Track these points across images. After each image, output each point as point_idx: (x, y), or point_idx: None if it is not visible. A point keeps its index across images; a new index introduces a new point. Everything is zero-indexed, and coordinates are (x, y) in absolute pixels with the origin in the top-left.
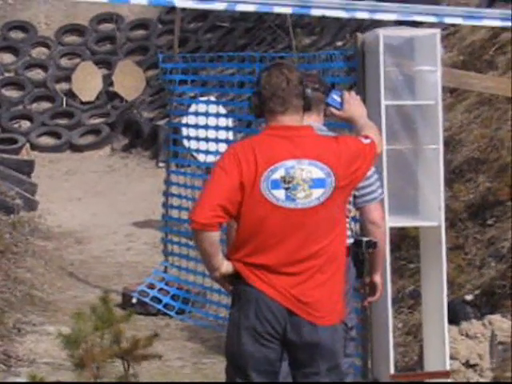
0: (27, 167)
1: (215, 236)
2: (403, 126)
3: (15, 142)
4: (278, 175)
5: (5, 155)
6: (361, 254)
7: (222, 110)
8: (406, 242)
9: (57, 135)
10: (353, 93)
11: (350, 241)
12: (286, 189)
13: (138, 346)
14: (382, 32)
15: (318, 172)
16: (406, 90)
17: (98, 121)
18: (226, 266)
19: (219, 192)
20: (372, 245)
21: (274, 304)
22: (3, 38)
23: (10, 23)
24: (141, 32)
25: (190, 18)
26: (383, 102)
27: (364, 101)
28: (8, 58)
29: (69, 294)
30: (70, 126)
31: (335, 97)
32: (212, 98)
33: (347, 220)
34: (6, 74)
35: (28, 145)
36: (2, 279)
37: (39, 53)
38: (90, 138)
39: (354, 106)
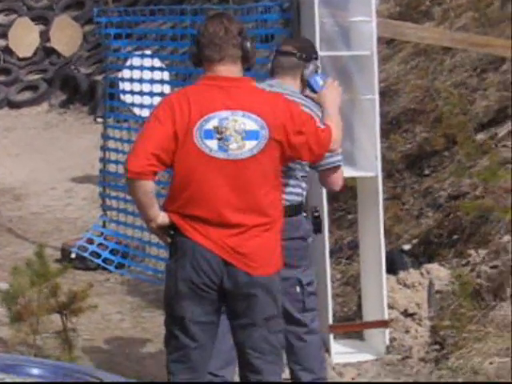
0: None
1: (149, 185)
2: (339, 77)
3: None
4: (211, 125)
5: None
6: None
7: (158, 64)
8: (343, 192)
9: None
10: (336, 82)
11: (299, 199)
12: (219, 139)
13: (75, 299)
14: None
15: (252, 124)
16: (342, 40)
17: (35, 77)
18: (162, 218)
19: (153, 141)
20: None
21: (211, 255)
22: None
23: None
24: None
25: None
26: (318, 54)
27: None
28: None
29: (8, 251)
30: (7, 83)
31: (318, 79)
32: (148, 52)
33: (300, 178)
34: None
35: None
36: None
37: None
38: (27, 95)
39: (331, 94)
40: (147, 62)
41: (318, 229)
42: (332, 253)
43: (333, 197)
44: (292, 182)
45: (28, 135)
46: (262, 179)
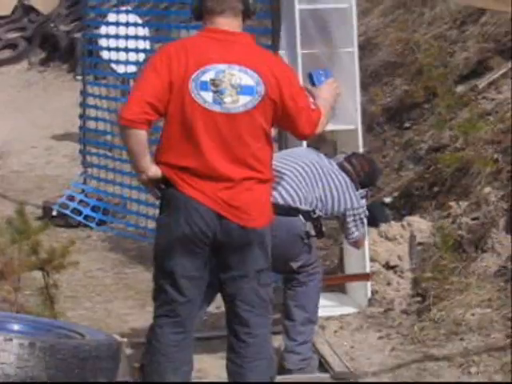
0: None
1: (142, 134)
2: (318, 30)
3: None
4: (207, 77)
5: None
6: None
7: (133, 20)
8: (323, 146)
9: None
10: (336, 83)
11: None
12: (214, 92)
13: (56, 255)
14: None
15: (248, 79)
16: None
17: (14, 35)
18: (154, 170)
19: (148, 89)
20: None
21: (204, 208)
22: None
23: None
24: None
25: None
26: (297, 7)
27: (278, 5)
28: None
29: None
30: None
31: (321, 74)
32: (127, 8)
33: (305, 187)
34: None
35: None
36: None
37: None
38: (6, 53)
39: (327, 90)
40: (123, 18)
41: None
42: None
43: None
44: (293, 184)
45: (8, 94)
46: (253, 134)
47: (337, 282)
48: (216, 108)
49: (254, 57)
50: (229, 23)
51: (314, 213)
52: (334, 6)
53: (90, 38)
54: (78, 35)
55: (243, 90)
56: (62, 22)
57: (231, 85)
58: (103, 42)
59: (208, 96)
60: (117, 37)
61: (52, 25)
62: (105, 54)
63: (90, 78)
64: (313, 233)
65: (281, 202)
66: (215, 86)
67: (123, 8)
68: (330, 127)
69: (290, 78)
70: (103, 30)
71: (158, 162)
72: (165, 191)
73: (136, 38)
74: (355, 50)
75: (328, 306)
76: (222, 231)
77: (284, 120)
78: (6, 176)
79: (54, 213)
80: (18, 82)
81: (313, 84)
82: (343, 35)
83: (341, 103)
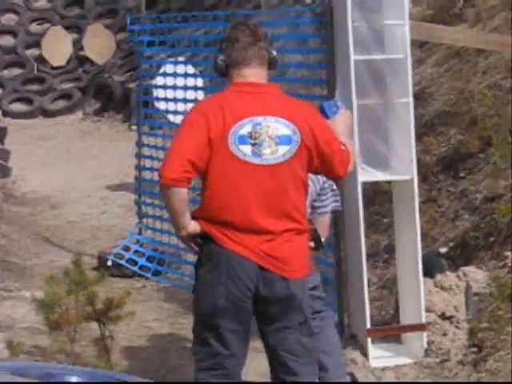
0: (0, 134)
1: (184, 192)
2: (373, 81)
3: None
4: (245, 131)
5: None
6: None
7: (191, 70)
8: (379, 196)
9: (29, 101)
10: (349, 113)
11: None
12: (253, 145)
13: (112, 306)
14: None
15: (284, 129)
16: (375, 44)
17: (69, 85)
18: (193, 226)
19: (187, 147)
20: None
21: (246, 262)
22: None
23: None
24: None
25: None
26: (352, 57)
27: (333, 56)
28: None
29: (45, 259)
30: (42, 92)
31: (332, 105)
32: (180, 59)
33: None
34: None
35: (0, 111)
36: None
37: (8, 19)
38: (61, 103)
39: (343, 121)
40: (181, 69)
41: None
42: (368, 257)
43: (369, 201)
44: None
45: (63, 144)
46: (292, 184)
47: (393, 332)
48: (256, 160)
49: (287, 106)
50: (255, 74)
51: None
52: (389, 56)
53: (145, 89)
54: (132, 85)
55: (281, 140)
56: (116, 72)
57: (269, 136)
58: (159, 93)
59: (247, 149)
60: (174, 87)
61: (106, 75)
62: (161, 105)
63: (146, 128)
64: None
65: None
66: (253, 138)
67: (177, 59)
68: (385, 177)
69: (321, 123)
70: (159, 80)
71: (196, 217)
72: (204, 246)
73: (192, 88)
74: (410, 100)
75: (384, 357)
76: (265, 283)
77: (320, 165)
78: (62, 226)
79: (110, 263)
80: (72, 132)
81: (325, 116)
82: (398, 86)
83: (396, 153)
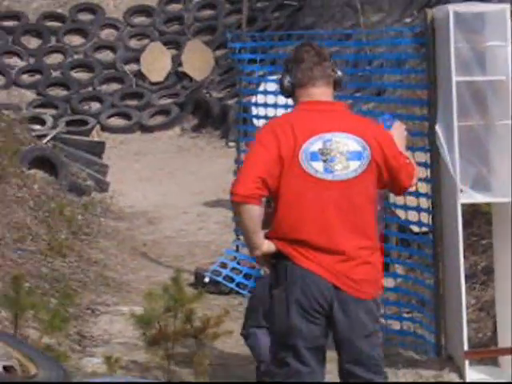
0: (98, 148)
1: (256, 210)
2: (474, 102)
3: (85, 123)
4: (316, 147)
5: (76, 137)
6: None
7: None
8: (477, 218)
9: (127, 116)
10: (403, 126)
11: None
12: (324, 161)
13: (210, 324)
14: (452, 7)
15: (354, 144)
16: (477, 65)
17: (167, 101)
18: (267, 245)
19: (258, 165)
20: None
21: (321, 280)
22: (72, 20)
23: (78, 5)
24: (209, 12)
25: None
26: (454, 79)
27: (434, 77)
28: (77, 40)
29: (141, 275)
30: (140, 107)
31: (386, 117)
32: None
33: None
34: (76, 56)
35: (98, 126)
36: (75, 260)
37: (108, 34)
38: (159, 119)
39: (398, 136)
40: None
41: None
42: (466, 278)
43: (467, 222)
44: None
45: (160, 159)
46: (364, 200)
47: (490, 355)
48: (328, 176)
49: (355, 123)
50: (322, 93)
51: None
52: (491, 78)
53: (244, 106)
54: (230, 102)
55: (352, 155)
56: (214, 89)
57: (340, 152)
58: (259, 111)
59: (319, 166)
60: (275, 106)
61: (205, 91)
62: (261, 123)
63: (244, 145)
64: None
65: None
66: (324, 155)
67: (276, 77)
68: (485, 199)
69: (389, 139)
70: (259, 98)
71: (270, 237)
72: (278, 265)
73: (293, 106)
74: (511, 122)
75: (481, 379)
76: (338, 302)
77: (389, 179)
78: (159, 241)
79: (207, 279)
80: (170, 147)
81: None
82: (499, 107)
83: (496, 175)
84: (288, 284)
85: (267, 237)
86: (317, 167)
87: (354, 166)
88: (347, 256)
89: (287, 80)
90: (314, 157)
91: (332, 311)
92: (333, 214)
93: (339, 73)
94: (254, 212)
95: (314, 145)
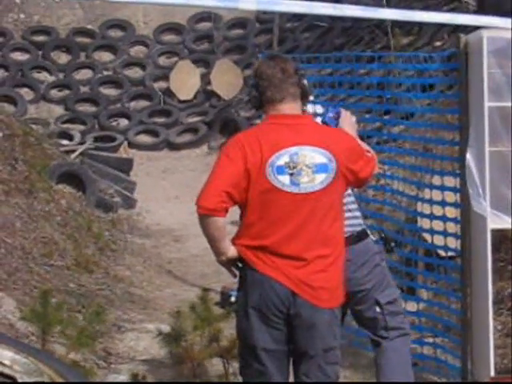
0: (126, 165)
1: (221, 221)
2: (505, 128)
3: (113, 140)
4: (282, 161)
5: (104, 153)
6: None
7: (319, 110)
8: (505, 243)
9: (154, 133)
10: (348, 113)
11: (358, 228)
12: (291, 174)
13: (236, 344)
14: (485, 33)
15: (321, 157)
16: (508, 90)
17: (195, 119)
18: (232, 251)
19: (224, 178)
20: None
21: (279, 287)
22: (102, 37)
23: (108, 22)
24: (238, 31)
25: (288, 17)
26: (486, 104)
27: (466, 102)
28: (106, 56)
29: (167, 292)
30: (168, 125)
31: (331, 115)
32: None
33: (353, 209)
34: (105, 73)
35: (126, 143)
36: (101, 277)
37: (137, 51)
38: (187, 137)
39: (349, 124)
40: (310, 108)
41: (387, 248)
42: (493, 304)
43: (494, 247)
44: (348, 214)
45: (187, 177)
46: (328, 211)
47: None
48: (294, 189)
49: (321, 136)
50: (290, 107)
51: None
52: None
53: None
54: (258, 121)
55: (318, 168)
56: (242, 108)
57: (306, 165)
58: None
59: (285, 179)
60: None
61: (233, 110)
62: None
63: None
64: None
65: (354, 232)
66: (291, 168)
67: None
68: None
69: (353, 144)
70: None
71: (235, 243)
72: (242, 269)
73: None
74: None
75: None
76: (295, 308)
77: (353, 180)
78: (185, 259)
79: (233, 299)
80: (197, 165)
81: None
82: None
83: None
84: (247, 289)
85: (233, 243)
86: (283, 180)
87: (321, 179)
88: (307, 263)
89: (253, 95)
90: (280, 170)
91: (289, 314)
92: (296, 224)
93: (305, 82)
94: (218, 223)
95: (281, 159)
